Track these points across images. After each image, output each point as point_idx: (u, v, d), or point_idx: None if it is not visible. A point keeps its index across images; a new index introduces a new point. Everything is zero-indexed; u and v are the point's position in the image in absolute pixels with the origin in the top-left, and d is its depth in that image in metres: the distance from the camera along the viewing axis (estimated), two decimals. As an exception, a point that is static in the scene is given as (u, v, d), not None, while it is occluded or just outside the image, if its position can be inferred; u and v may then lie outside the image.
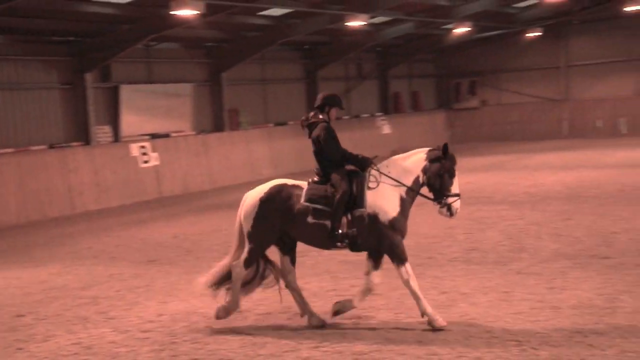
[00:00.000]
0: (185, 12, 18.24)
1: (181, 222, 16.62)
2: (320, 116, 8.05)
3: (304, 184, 7.91)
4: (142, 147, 21.99)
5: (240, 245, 8.04)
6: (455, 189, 7.72)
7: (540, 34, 32.57)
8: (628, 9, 27.06)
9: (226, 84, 25.76)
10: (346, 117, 31.88)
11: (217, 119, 25.63)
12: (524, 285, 8.99)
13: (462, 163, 25.61)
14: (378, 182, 7.65)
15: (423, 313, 7.50)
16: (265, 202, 7.82)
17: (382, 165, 7.82)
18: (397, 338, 7.31)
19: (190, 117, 24.63)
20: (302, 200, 7.71)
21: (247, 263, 7.93)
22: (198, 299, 9.14)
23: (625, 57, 32.75)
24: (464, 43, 34.00)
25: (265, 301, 9.07)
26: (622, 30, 32.38)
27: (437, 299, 8.53)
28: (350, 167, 7.85)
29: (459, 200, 7.73)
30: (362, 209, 7.55)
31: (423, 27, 29.16)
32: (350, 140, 30.51)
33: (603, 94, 33.35)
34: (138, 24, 20.59)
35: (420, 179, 7.74)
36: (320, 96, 8.20)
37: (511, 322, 7.59)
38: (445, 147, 7.72)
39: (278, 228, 7.79)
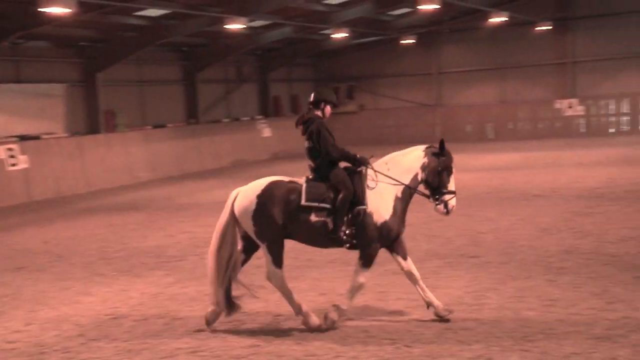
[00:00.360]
0: (56, 10, 17.52)
1: (53, 227, 15.97)
2: (315, 113, 7.94)
3: (299, 181, 7.71)
4: (10, 149, 20.92)
5: (228, 245, 7.66)
6: (451, 186, 7.72)
7: (414, 41, 33.76)
8: (493, 20, 28.53)
9: (102, 85, 24.98)
10: (226, 119, 31.74)
11: (92, 120, 24.80)
12: (399, 285, 9.25)
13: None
14: (376, 182, 7.59)
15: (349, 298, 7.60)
16: (263, 198, 7.53)
17: (381, 163, 7.80)
18: (276, 340, 7.36)
19: (63, 118, 23.71)
20: (303, 197, 7.51)
21: (276, 262, 7.55)
22: (69, 306, 8.81)
23: (491, 66, 34.54)
24: (342, 48, 34.70)
25: (142, 307, 8.88)
26: (488, 40, 34.13)
27: (316, 300, 8.65)
28: (344, 165, 7.80)
29: (454, 198, 7.73)
30: (362, 207, 7.49)
31: (302, 32, 29.52)
32: (231, 143, 30.45)
33: (472, 100, 35.01)
34: (4, 21, 19.60)
35: (419, 177, 7.73)
36: (314, 92, 8.10)
37: (387, 321, 7.82)
38: (442, 144, 7.73)
39: (281, 223, 7.48)
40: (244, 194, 7.67)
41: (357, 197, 7.49)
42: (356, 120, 37.29)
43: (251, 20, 24.44)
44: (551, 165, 21.98)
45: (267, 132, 32.58)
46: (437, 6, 22.61)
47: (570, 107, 32.94)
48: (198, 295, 9.28)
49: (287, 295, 7.63)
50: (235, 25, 22.63)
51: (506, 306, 8.06)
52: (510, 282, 9.07)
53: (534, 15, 31.86)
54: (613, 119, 32.50)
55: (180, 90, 29.46)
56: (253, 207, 7.52)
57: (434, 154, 7.72)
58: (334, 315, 7.56)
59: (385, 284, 9.39)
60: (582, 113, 32.81)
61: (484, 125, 34.70)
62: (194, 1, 22.50)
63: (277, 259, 7.55)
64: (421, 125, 35.90)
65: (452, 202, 7.70)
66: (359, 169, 7.68)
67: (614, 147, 25.71)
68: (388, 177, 7.61)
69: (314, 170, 7.78)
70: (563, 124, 33.00)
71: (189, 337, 7.63)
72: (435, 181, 7.66)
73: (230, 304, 7.72)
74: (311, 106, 8.03)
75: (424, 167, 7.70)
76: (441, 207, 7.71)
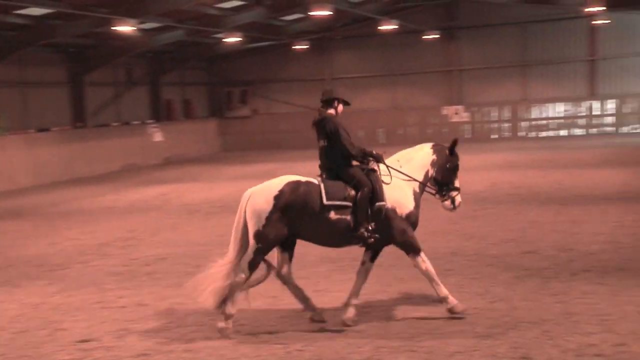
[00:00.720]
0: None
1: None
2: (328, 112, 7.82)
3: (315, 181, 7.59)
4: None
5: (243, 249, 7.51)
6: (457, 183, 7.95)
7: (307, 47, 34.07)
8: (383, 27, 29.20)
9: (-20, 86, 23.74)
10: (116, 123, 30.88)
11: (-32, 123, 23.51)
12: (291, 289, 9.29)
13: (234, 171, 26.06)
14: (391, 177, 7.65)
15: (442, 299, 7.61)
16: (282, 199, 7.35)
17: (393, 160, 7.87)
18: (166, 347, 7.20)
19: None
20: (324, 197, 7.41)
21: (253, 266, 7.46)
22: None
23: (382, 72, 35.37)
24: (236, 52, 34.55)
25: (22, 318, 8.48)
26: (378, 47, 34.93)
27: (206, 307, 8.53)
28: (355, 163, 7.77)
29: (459, 195, 7.95)
30: (382, 203, 7.51)
31: (194, 35, 29.15)
32: (121, 147, 29.63)
33: (364, 106, 35.68)
34: None
35: (429, 173, 7.90)
36: (326, 91, 8.00)
37: (278, 325, 7.81)
38: (454, 144, 7.95)
39: (292, 226, 7.39)
40: (260, 194, 7.49)
41: (376, 194, 7.52)
42: (249, 125, 37.21)
43: (141, 22, 23.91)
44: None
45: (158, 136, 31.94)
46: (329, 13, 22.90)
47: (456, 113, 34.17)
48: (83, 305, 8.96)
49: (232, 293, 7.44)
50: (124, 27, 22.07)
51: (395, 308, 8.23)
52: (398, 284, 9.26)
53: (422, 24, 32.86)
54: (495, 125, 33.98)
55: (66, 93, 28.40)
56: (269, 208, 7.36)
57: (443, 152, 7.96)
58: (453, 306, 7.59)
59: (277, 288, 9.37)
60: (467, 119, 34.11)
61: (375, 130, 35.42)
62: (79, 1, 21.74)
63: (255, 263, 7.49)
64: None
65: (458, 198, 7.98)
66: (373, 166, 7.71)
67: (496, 153, 26.84)
68: (402, 174, 7.75)
69: (329, 169, 7.71)
70: (450, 130, 34.14)
71: (73, 347, 7.34)
72: (444, 178, 7.90)
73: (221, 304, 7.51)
74: (323, 105, 7.92)
75: (433, 164, 7.94)
76: (448, 202, 7.97)
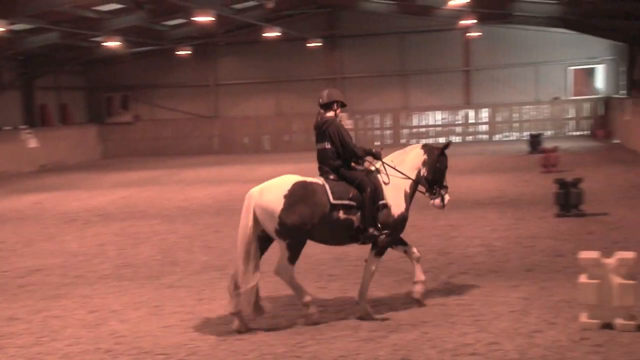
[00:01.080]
0: None
1: None
2: (329, 114, 8.05)
3: (318, 181, 7.79)
4: None
5: (253, 249, 7.61)
6: (445, 182, 8.31)
7: (190, 52, 33.65)
8: (267, 34, 29.29)
9: None
10: (-15, 129, 29.29)
11: None
12: (175, 298, 9.14)
13: (116, 178, 25.31)
14: (389, 177, 7.95)
15: (359, 300, 7.90)
16: (292, 198, 7.52)
17: (387, 161, 8.11)
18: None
19: None
20: (330, 196, 7.63)
21: (292, 259, 7.67)
22: None
23: (267, 79, 35.47)
24: (116, 57, 33.61)
25: None
26: (263, 54, 35.02)
27: (85, 319, 8.26)
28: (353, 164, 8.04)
29: (447, 194, 8.31)
30: (383, 201, 7.83)
31: (70, 38, 28.09)
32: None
33: (249, 113, 35.67)
34: None
35: (422, 172, 8.20)
36: (326, 93, 8.13)
37: (161, 335, 7.65)
38: (447, 146, 8.41)
39: (308, 223, 7.52)
40: (268, 193, 7.61)
41: (377, 193, 7.81)
42: (132, 131, 36.30)
43: (11, 23, 22.76)
44: (323, 176, 22.93)
45: (33, 142, 30.53)
46: (212, 19, 22.71)
47: (340, 120, 34.65)
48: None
49: (297, 288, 7.76)
50: (-8, 28, 20.95)
51: (280, 314, 8.25)
52: (283, 291, 9.29)
53: (306, 32, 33.23)
54: (378, 132, 34.84)
55: None
56: (280, 206, 7.49)
57: (433, 152, 8.31)
58: (362, 311, 7.83)
59: (160, 297, 9.19)
60: (351, 126, 34.74)
61: (260, 137, 35.45)
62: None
63: (294, 257, 7.68)
64: (200, 137, 35.86)
65: (447, 196, 8.37)
66: (371, 167, 8.05)
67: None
68: (399, 173, 8.06)
69: (331, 170, 7.92)
70: (334, 137, 34.66)
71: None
72: (435, 177, 8.25)
73: (257, 307, 7.71)
74: (323, 108, 8.12)
75: (424, 164, 8.25)
76: (438, 201, 8.31)
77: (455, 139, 33.82)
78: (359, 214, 7.74)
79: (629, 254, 7.33)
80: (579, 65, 33.03)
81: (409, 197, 8.16)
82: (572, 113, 32.98)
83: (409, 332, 7.41)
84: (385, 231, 7.81)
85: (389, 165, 8.09)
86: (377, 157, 8.10)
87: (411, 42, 34.26)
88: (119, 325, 8.07)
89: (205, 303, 8.86)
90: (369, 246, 8.04)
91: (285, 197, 7.54)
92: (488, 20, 30.80)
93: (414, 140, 34.26)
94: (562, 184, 13.54)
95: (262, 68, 35.48)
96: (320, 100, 8.12)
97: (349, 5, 32.85)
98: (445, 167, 8.40)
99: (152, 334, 7.70)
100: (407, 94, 34.72)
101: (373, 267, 7.98)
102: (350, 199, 7.72)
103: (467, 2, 22.04)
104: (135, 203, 18.54)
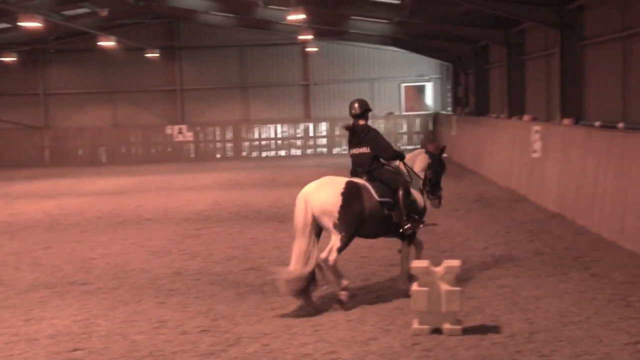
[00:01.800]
0: None
1: None
2: (360, 122, 8.97)
3: (359, 181, 8.69)
4: None
5: (311, 242, 8.31)
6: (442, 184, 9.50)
7: (15, 59, 31.84)
8: (102, 43, 28.31)
9: None
10: None
11: None
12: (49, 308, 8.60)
13: None
14: (411, 178, 9.07)
15: (401, 283, 8.94)
16: (349, 195, 8.40)
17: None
18: None
19: None
20: (375, 194, 8.59)
21: (342, 249, 8.46)
22: None
23: (104, 89, 34.27)
24: None
25: None
26: (98, 63, 33.82)
27: None
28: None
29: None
30: (412, 198, 8.88)
31: None
32: None
33: (84, 123, 34.23)
34: None
35: (427, 174, 9.29)
36: (358, 105, 9.01)
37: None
38: (443, 150, 9.61)
39: (362, 218, 8.46)
40: (324, 191, 8.44)
41: (408, 191, 8.87)
42: (-48, 142, 33.66)
43: None
44: (163, 189, 22.49)
45: None
46: (39, 24, 21.57)
47: (180, 132, 34.23)
48: None
49: (338, 274, 8.51)
50: None
51: (116, 332, 7.97)
52: (121, 307, 9.00)
53: (143, 42, 32.49)
54: (219, 144, 34.67)
55: None
56: (339, 202, 8.36)
57: (435, 157, 9.42)
58: (404, 285, 8.81)
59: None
60: (191, 139, 34.35)
61: (96, 149, 34.15)
62: None
63: (344, 247, 8.50)
64: (29, 148, 33.96)
65: (442, 196, 9.61)
66: (396, 168, 9.08)
67: (220, 172, 27.35)
68: (416, 174, 9.18)
69: (366, 172, 8.83)
70: (174, 149, 34.11)
71: None
72: (436, 178, 9.34)
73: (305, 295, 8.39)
74: (356, 118, 9.00)
75: (429, 167, 9.31)
76: (437, 201, 9.48)
77: (296, 151, 34.38)
78: (395, 210, 8.78)
79: (455, 262, 7.78)
80: (411, 83, 34.78)
81: (422, 194, 9.32)
82: (405, 128, 34.59)
83: (249, 345, 7.41)
84: (419, 222, 8.92)
85: (408, 167, 9.18)
86: (403, 159, 9.20)
87: (252, 56, 34.49)
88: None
89: (33, 323, 8.38)
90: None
91: (343, 194, 8.42)
92: (325, 37, 31.68)
93: (255, 153, 34.41)
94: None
95: (97, 78, 34.21)
96: (353, 111, 9.02)
97: (188, 17, 32.50)
98: (444, 170, 9.56)
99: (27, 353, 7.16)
100: (248, 106, 34.87)
101: (408, 253, 9.01)
102: (390, 197, 8.73)
103: (305, 18, 22.50)
104: (-45, 219, 17.19)
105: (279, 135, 34.79)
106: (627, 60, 13.95)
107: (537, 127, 16.83)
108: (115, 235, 14.31)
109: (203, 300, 9.18)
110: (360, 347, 7.22)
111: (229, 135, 34.56)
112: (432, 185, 9.39)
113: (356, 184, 8.61)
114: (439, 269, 7.62)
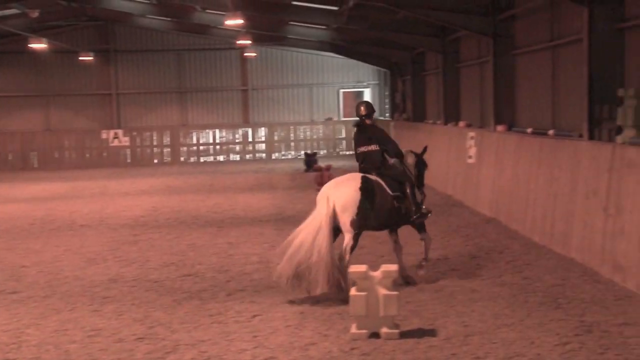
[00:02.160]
0: None
1: None
2: (367, 122, 9.73)
3: (370, 177, 9.32)
4: None
5: (330, 238, 8.76)
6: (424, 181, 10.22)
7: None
8: (34, 45, 27.53)
9: None
10: None
11: None
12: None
13: None
14: (411, 173, 9.80)
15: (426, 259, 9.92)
16: (367, 190, 9.08)
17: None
18: None
19: None
20: (387, 189, 9.33)
21: (353, 249, 9.10)
22: None
23: (35, 92, 33.36)
24: None
25: None
26: (30, 66, 32.94)
27: None
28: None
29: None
30: (416, 191, 9.73)
31: None
32: None
33: (14, 127, 33.23)
34: None
35: (414, 172, 9.90)
36: (364, 106, 9.79)
37: None
38: (424, 150, 10.26)
39: (374, 213, 9.12)
40: (344, 188, 9.08)
41: (413, 185, 9.66)
42: None
43: None
44: (98, 194, 22.03)
45: None
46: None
47: (116, 137, 33.61)
48: None
49: (346, 277, 8.61)
50: None
51: (48, 341, 7.77)
52: (53, 315, 8.78)
53: (77, 45, 31.81)
54: (156, 150, 34.16)
55: None
56: (358, 197, 8.99)
57: (420, 157, 10.09)
58: (423, 272, 9.76)
59: None
60: (127, 144, 33.75)
61: (28, 153, 33.21)
62: None
63: (355, 245, 9.15)
64: (-45, 153, 32.79)
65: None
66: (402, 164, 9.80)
67: (157, 177, 26.96)
68: (409, 171, 9.82)
69: (375, 168, 9.52)
70: (110, 154, 33.46)
71: None
72: (422, 175, 10.04)
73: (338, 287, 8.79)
74: (364, 117, 9.73)
75: (415, 164, 9.98)
76: (422, 196, 9.97)
77: (235, 157, 34.18)
78: (404, 202, 9.49)
79: (392, 267, 7.87)
80: (349, 89, 35.04)
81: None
82: (343, 133, 34.78)
83: (187, 352, 7.33)
84: (427, 212, 9.66)
85: (405, 164, 9.81)
86: (402, 157, 9.83)
87: (190, 60, 34.16)
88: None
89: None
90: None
91: (361, 189, 9.05)
92: (264, 42, 31.64)
93: (193, 158, 34.04)
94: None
95: (29, 81, 33.27)
96: (361, 113, 9.75)
97: (122, 20, 31.96)
98: (426, 167, 10.23)
99: None
100: (185, 111, 34.50)
101: (428, 238, 9.94)
102: (399, 191, 9.44)
103: (243, 23, 22.41)
104: None
105: (217, 141, 34.51)
106: (556, 70, 14.36)
107: (472, 134, 17.18)
108: (48, 242, 13.94)
109: (139, 308, 9.04)
110: (299, 353, 7.23)
111: (167, 140, 34.10)
112: (418, 181, 10.14)
113: (371, 179, 9.31)
114: (377, 274, 7.69)
